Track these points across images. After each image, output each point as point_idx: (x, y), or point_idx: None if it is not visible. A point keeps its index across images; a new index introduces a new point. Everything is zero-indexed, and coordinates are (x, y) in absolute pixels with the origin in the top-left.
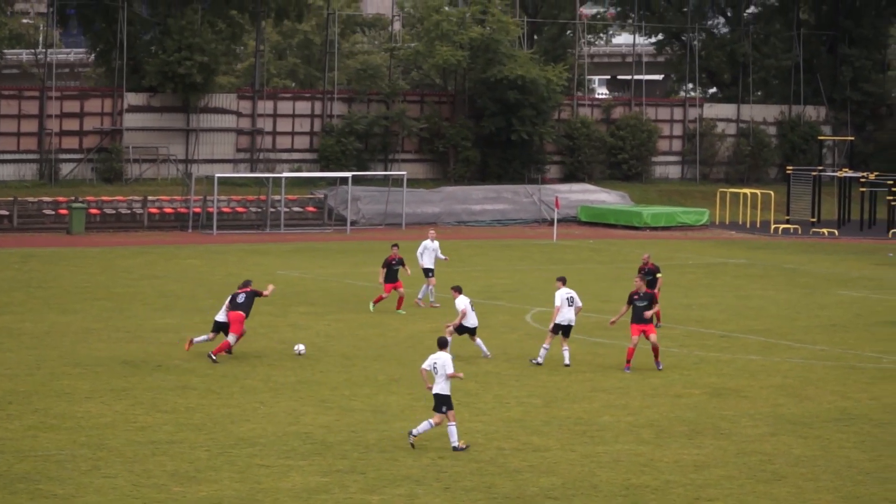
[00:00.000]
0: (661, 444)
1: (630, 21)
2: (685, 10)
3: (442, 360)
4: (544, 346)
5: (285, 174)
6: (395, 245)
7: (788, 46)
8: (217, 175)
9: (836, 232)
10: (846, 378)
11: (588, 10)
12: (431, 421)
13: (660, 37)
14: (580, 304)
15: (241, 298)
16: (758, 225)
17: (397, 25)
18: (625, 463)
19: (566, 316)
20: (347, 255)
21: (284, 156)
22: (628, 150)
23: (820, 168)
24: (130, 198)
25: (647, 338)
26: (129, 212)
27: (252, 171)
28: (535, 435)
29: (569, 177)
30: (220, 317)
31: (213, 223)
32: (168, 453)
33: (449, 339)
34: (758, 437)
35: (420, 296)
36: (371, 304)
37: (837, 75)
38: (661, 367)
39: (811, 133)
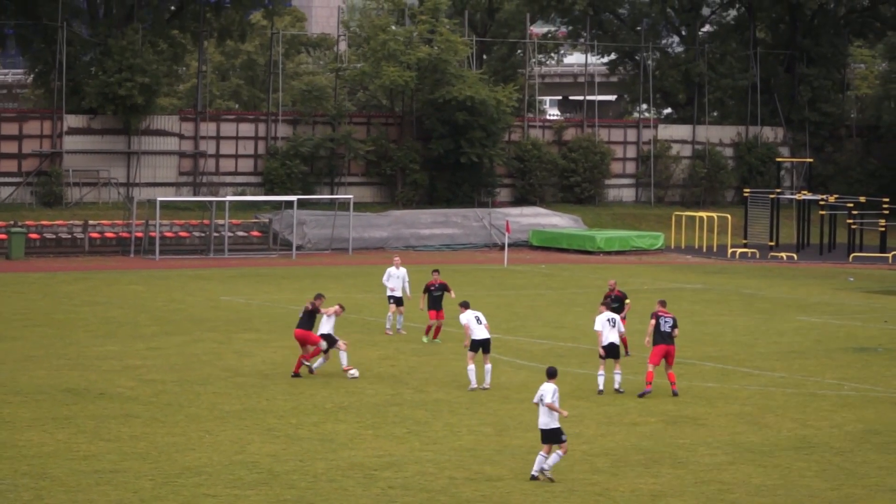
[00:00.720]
0: (616, 474)
1: (582, 40)
2: (639, 28)
3: (542, 391)
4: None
5: (229, 198)
6: (436, 271)
7: (745, 66)
8: (159, 199)
9: (794, 256)
10: (806, 405)
11: (538, 29)
12: (542, 453)
13: (612, 56)
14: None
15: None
16: (714, 249)
17: (343, 45)
18: (580, 493)
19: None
20: (293, 280)
21: (228, 179)
22: (581, 172)
23: (778, 190)
24: (71, 222)
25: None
26: (69, 236)
27: (195, 194)
28: (488, 464)
29: (520, 200)
30: (324, 329)
31: (155, 248)
32: (112, 483)
33: (470, 364)
34: (716, 465)
35: (388, 325)
36: (424, 337)
37: (795, 95)
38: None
39: (769, 154)
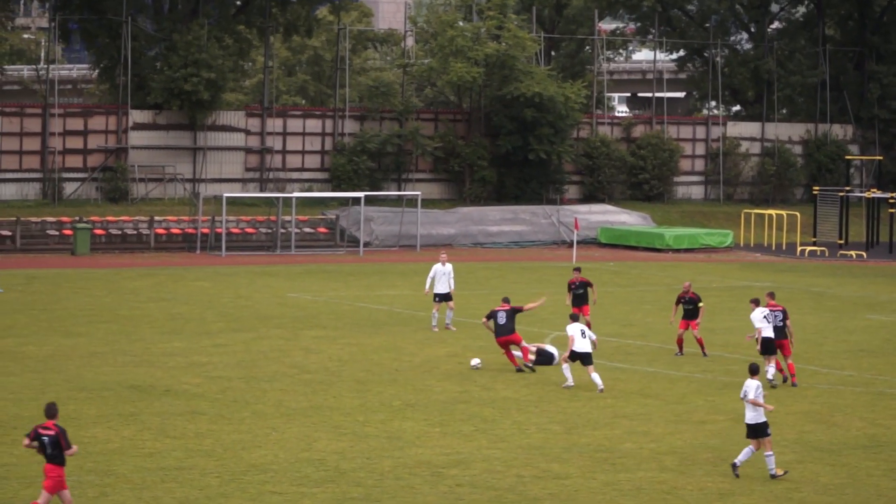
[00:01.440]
0: (684, 472)
1: (650, 37)
2: (707, 25)
3: (746, 387)
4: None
5: (296, 194)
6: (577, 269)
7: (814, 63)
8: (225, 195)
9: (864, 254)
10: (875, 404)
11: (607, 26)
12: (751, 447)
13: (681, 53)
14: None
15: (501, 319)
16: (783, 247)
17: (410, 41)
18: (647, 491)
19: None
20: (360, 277)
21: (295, 175)
22: (649, 169)
23: (847, 188)
24: (136, 218)
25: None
26: (135, 232)
27: (261, 190)
28: (556, 462)
29: (588, 197)
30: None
31: (221, 244)
32: (177, 480)
33: (565, 370)
34: (784, 464)
35: (434, 322)
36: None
37: (865, 93)
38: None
39: (838, 152)
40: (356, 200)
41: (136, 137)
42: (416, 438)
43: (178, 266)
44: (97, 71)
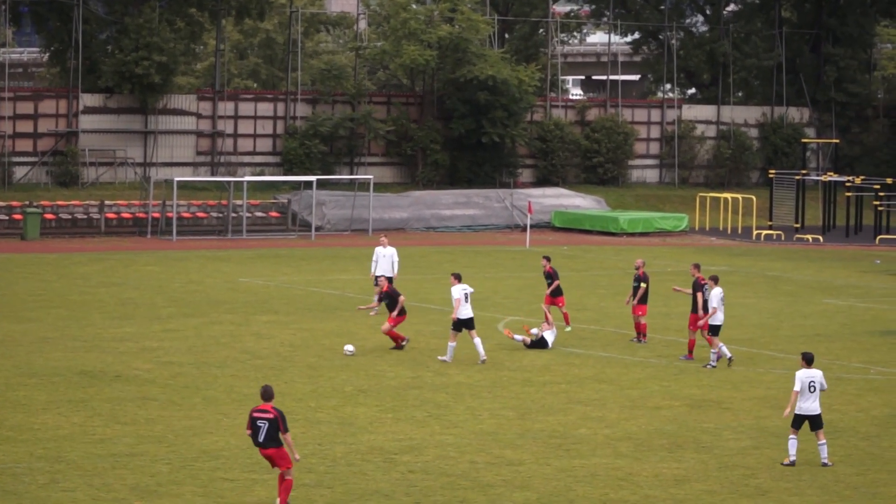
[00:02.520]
0: (639, 458)
1: (605, 19)
2: (662, 7)
3: (811, 377)
4: (450, 343)
5: (247, 178)
6: (546, 257)
7: (770, 46)
8: (176, 179)
9: (820, 238)
10: (832, 390)
11: (561, 8)
12: (795, 437)
13: (636, 35)
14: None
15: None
16: (739, 231)
17: (363, 24)
18: (602, 477)
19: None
20: (312, 261)
21: (246, 159)
22: (604, 153)
23: (804, 172)
24: (87, 202)
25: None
26: (85, 217)
27: (213, 174)
28: (509, 448)
29: (542, 181)
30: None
31: (172, 229)
32: (128, 466)
33: (452, 342)
34: (740, 450)
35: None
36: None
37: (821, 76)
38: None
39: (794, 135)
40: (308, 184)
41: (86, 121)
42: (368, 424)
43: (128, 251)
44: (48, 54)
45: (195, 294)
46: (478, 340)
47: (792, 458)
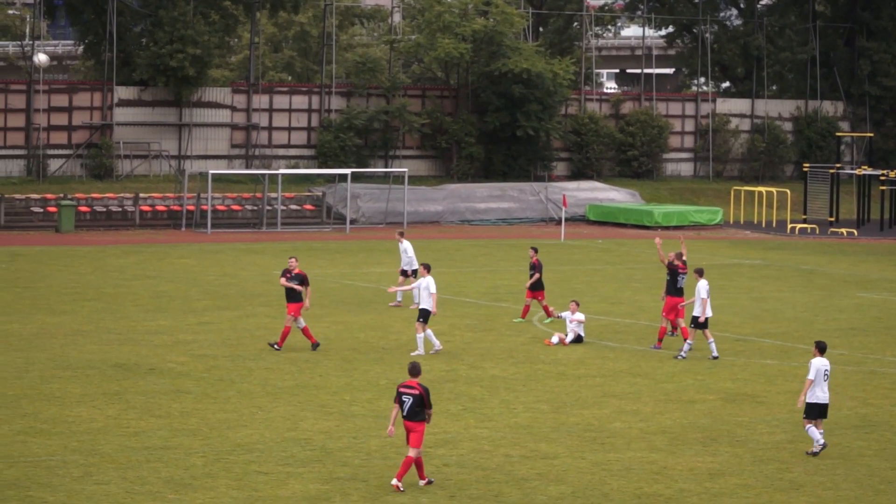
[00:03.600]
0: (674, 452)
1: (639, 12)
2: (696, 1)
3: (824, 365)
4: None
5: (282, 171)
6: (534, 248)
7: (804, 39)
8: (211, 171)
9: (854, 232)
10: (866, 384)
11: (595, 2)
12: (812, 426)
13: (670, 29)
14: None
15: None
16: (773, 224)
17: (397, 17)
18: (637, 471)
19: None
20: (347, 254)
21: (281, 152)
22: (638, 146)
23: (838, 165)
24: (121, 195)
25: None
26: (120, 209)
27: (247, 167)
28: (544, 442)
29: (576, 174)
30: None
31: (207, 221)
32: (162, 459)
33: (421, 332)
34: (775, 444)
35: (399, 298)
36: (515, 318)
37: (855, 69)
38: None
39: (828, 129)
40: (343, 177)
41: (121, 114)
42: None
43: (163, 243)
44: (82, 47)
45: (230, 287)
46: (429, 332)
47: (821, 442)
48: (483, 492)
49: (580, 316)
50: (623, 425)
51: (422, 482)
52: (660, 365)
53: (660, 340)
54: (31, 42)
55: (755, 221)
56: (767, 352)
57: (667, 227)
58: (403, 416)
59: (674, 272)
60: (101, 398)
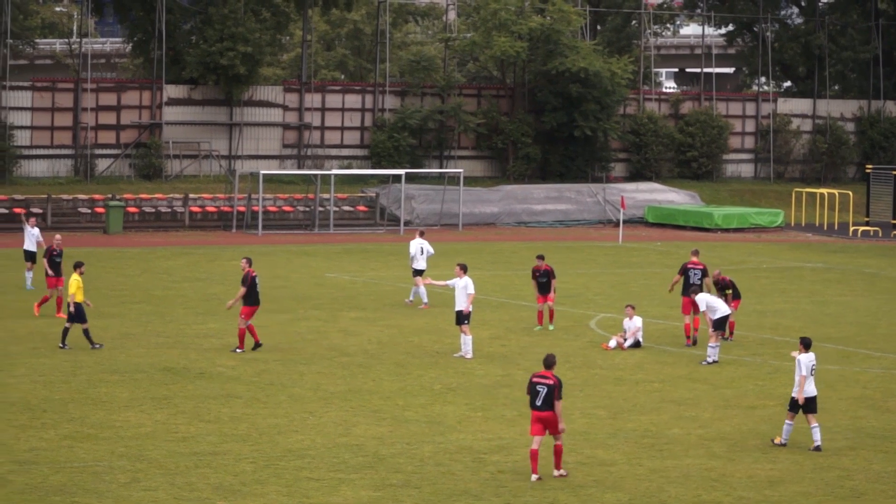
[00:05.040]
0: (733, 459)
1: (699, 10)
2: None
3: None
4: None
5: (334, 171)
6: (541, 256)
7: (866, 38)
8: (262, 172)
9: None
10: None
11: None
12: (790, 422)
13: (730, 27)
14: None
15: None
16: (835, 227)
17: (452, 15)
18: (695, 478)
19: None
20: (401, 257)
21: (334, 152)
22: (698, 147)
23: None
24: (171, 195)
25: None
26: (169, 210)
27: (299, 167)
28: (601, 448)
29: (635, 175)
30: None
31: (258, 223)
32: (211, 465)
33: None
34: (836, 451)
35: (411, 297)
36: (536, 326)
37: None
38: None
39: (892, 130)
40: (397, 178)
41: (170, 113)
42: (457, 423)
43: (213, 245)
44: (131, 45)
45: (281, 289)
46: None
47: (783, 440)
48: (538, 499)
49: (637, 322)
50: (681, 431)
51: (557, 473)
52: (719, 370)
53: (688, 337)
54: (78, 40)
55: (817, 224)
56: (829, 357)
57: (727, 230)
58: (536, 406)
59: (686, 271)
60: (150, 402)
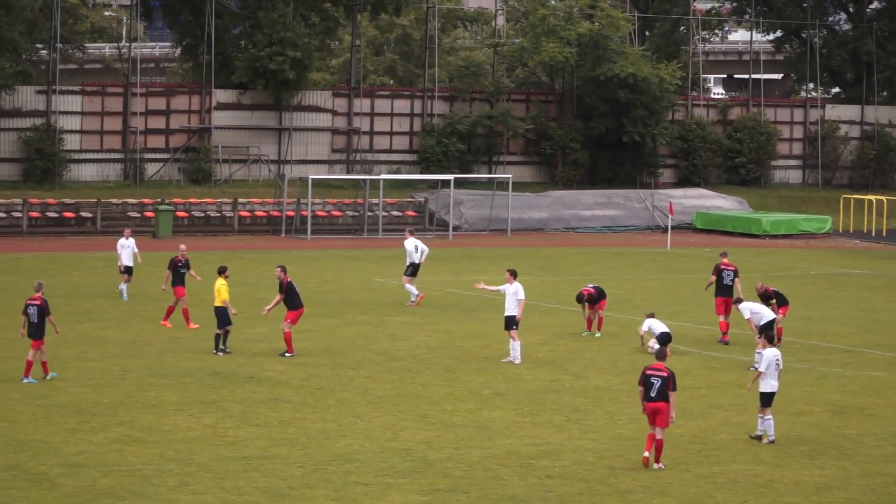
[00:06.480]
0: (780, 465)
1: (747, 17)
2: (805, 5)
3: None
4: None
5: (383, 176)
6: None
7: None
8: (311, 177)
9: None
10: None
11: (702, 5)
12: (763, 416)
13: (778, 33)
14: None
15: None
16: (884, 233)
17: (501, 20)
18: (742, 484)
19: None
20: (449, 262)
21: (382, 157)
22: (746, 153)
23: None
24: (220, 200)
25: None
26: (218, 215)
27: (348, 172)
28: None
29: (683, 181)
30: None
31: (307, 227)
32: (260, 469)
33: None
34: (883, 457)
35: (413, 298)
36: (583, 332)
37: None
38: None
39: None
40: (445, 183)
41: (219, 117)
42: (505, 428)
43: (262, 249)
44: (180, 49)
45: (329, 294)
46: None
47: (761, 430)
48: (586, 503)
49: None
50: (729, 437)
51: (657, 465)
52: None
53: (724, 334)
54: (127, 44)
55: (865, 230)
56: (876, 363)
57: (775, 236)
58: (650, 398)
59: (720, 272)
60: (198, 406)
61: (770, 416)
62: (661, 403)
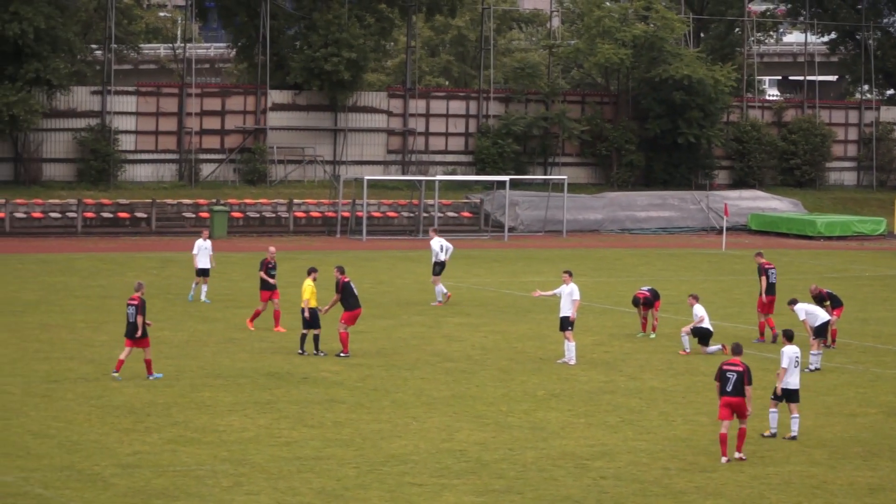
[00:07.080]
0: (834, 466)
1: (801, 19)
2: (859, 7)
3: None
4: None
5: (439, 177)
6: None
7: None
8: (367, 177)
9: None
10: None
11: (757, 7)
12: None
13: (833, 35)
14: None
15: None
16: None
17: (556, 21)
18: (796, 485)
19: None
20: (505, 263)
21: (438, 158)
22: (801, 154)
23: None
24: (275, 201)
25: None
26: (273, 215)
27: (404, 173)
28: (703, 455)
29: (738, 183)
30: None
31: (362, 228)
32: (314, 470)
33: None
34: None
35: (440, 298)
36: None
37: None
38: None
39: None
40: (501, 184)
41: (274, 118)
42: (560, 429)
43: (317, 250)
44: (235, 50)
45: (385, 295)
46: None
47: (773, 431)
48: None
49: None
50: (783, 438)
51: (738, 454)
52: (821, 377)
53: (761, 334)
54: (182, 45)
55: None
56: None
57: (829, 238)
58: (726, 392)
59: (766, 272)
60: (253, 407)
61: (797, 415)
62: (737, 398)
